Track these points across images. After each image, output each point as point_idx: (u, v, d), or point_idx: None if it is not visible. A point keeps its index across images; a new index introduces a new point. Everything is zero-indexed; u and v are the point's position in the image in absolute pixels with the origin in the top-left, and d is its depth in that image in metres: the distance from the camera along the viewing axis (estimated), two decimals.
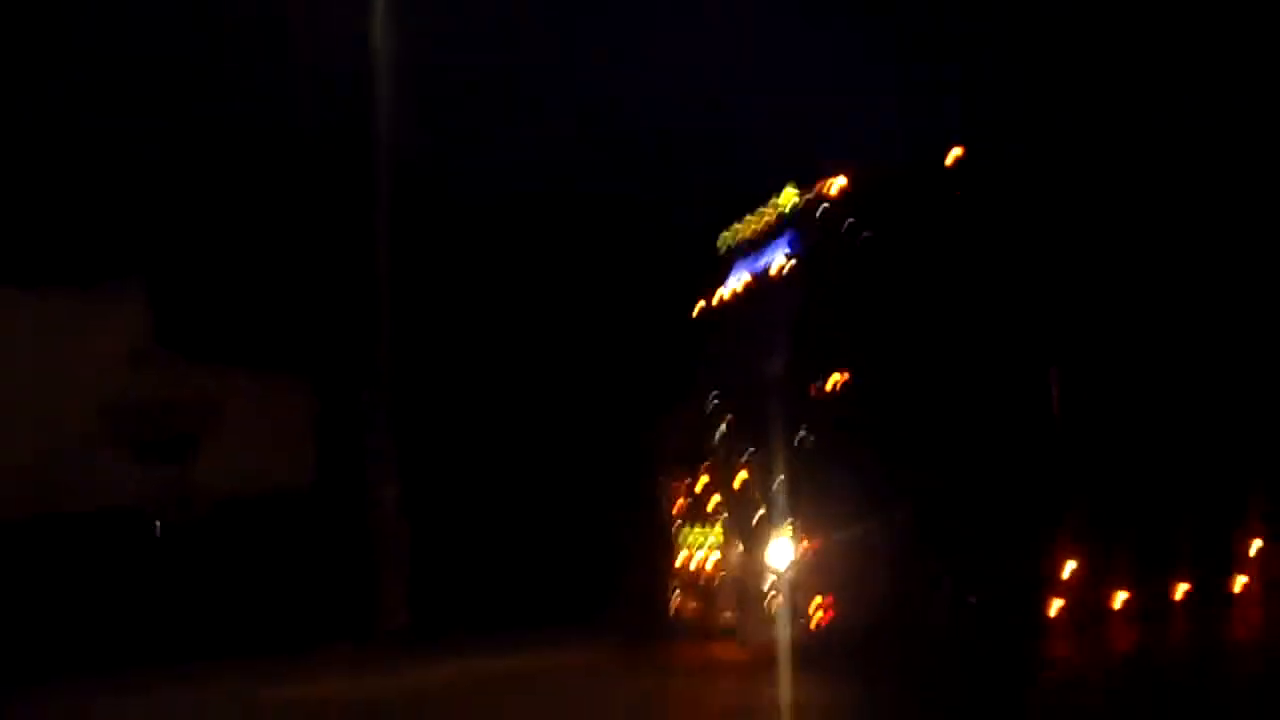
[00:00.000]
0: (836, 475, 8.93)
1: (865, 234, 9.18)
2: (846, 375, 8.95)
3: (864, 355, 8.99)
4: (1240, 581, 9.95)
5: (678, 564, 10.43)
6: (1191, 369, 9.83)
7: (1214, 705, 7.71)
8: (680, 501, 10.47)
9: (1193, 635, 9.70)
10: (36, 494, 15.28)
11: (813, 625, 8.88)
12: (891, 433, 8.98)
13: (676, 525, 10.52)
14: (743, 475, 9.38)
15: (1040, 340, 9.50)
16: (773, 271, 9.54)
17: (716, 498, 9.77)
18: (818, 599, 8.85)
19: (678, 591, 10.52)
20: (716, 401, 9.70)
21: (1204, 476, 9.78)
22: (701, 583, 10.11)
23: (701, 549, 10.08)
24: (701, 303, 10.96)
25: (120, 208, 18.61)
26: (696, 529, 10.20)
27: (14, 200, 18.66)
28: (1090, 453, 9.47)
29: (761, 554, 9.19)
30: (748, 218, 10.44)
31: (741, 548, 9.39)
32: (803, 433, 8.97)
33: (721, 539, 9.73)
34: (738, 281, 10.20)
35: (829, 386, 9.00)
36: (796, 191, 9.69)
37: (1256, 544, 10.00)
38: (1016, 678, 8.53)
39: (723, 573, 9.74)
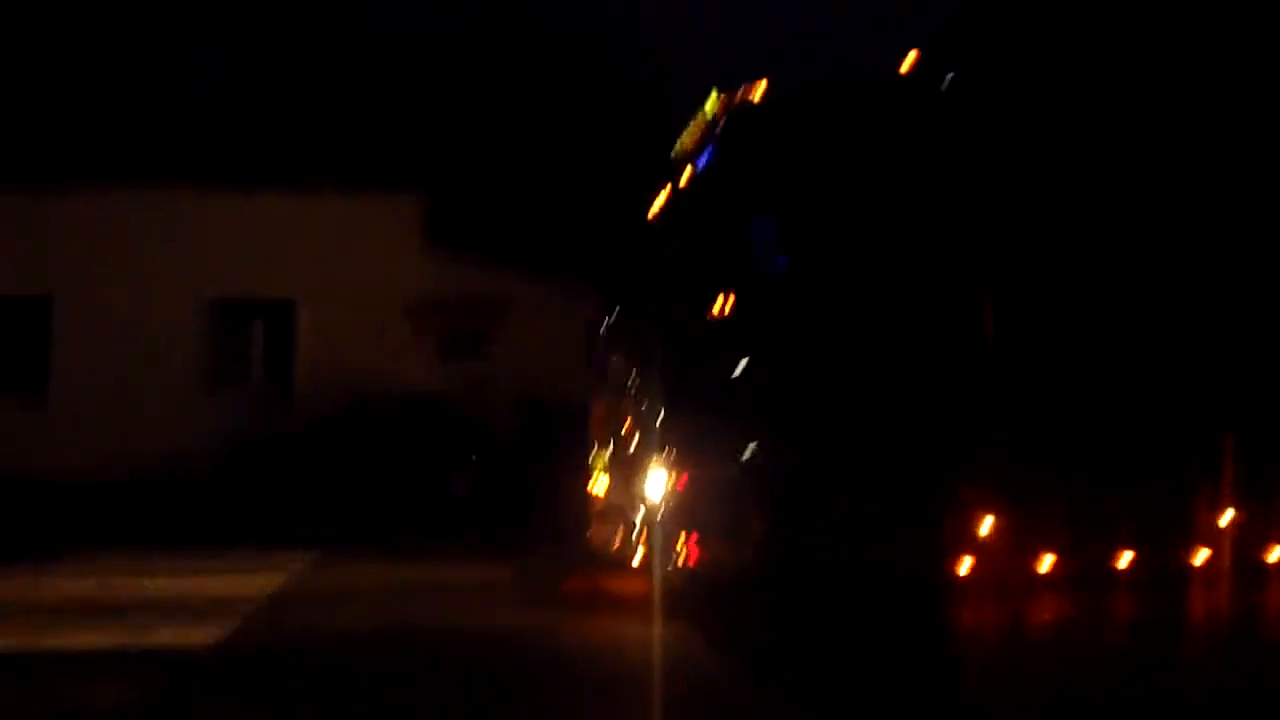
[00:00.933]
0: (713, 406, 8.22)
1: (773, 149, 8.34)
2: (733, 298, 8.19)
3: (754, 278, 8.19)
4: (1201, 555, 8.84)
5: (589, 489, 9.90)
6: (1155, 303, 8.65)
7: (1145, 692, 6.74)
8: (596, 425, 9.90)
9: (1137, 611, 8.66)
10: (354, 387, 16.65)
11: (679, 564, 8.26)
12: (778, 367, 8.19)
13: (593, 449, 9.97)
14: (631, 400, 8.75)
15: (972, 265, 8.50)
16: (682, 185, 8.78)
17: (614, 423, 9.18)
18: (683, 537, 8.21)
19: (591, 517, 10.00)
20: (613, 321, 9.04)
21: (1163, 432, 8.67)
22: (600, 510, 9.55)
23: (603, 475, 9.50)
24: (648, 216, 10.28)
25: (396, 112, 19.22)
26: (602, 454, 9.61)
27: (294, 105, 19.53)
28: (1019, 395, 8.46)
29: (639, 485, 8.58)
30: (690, 123, 9.67)
31: (624, 477, 8.79)
32: (683, 358, 8.28)
33: (612, 466, 9.14)
34: (661, 196, 9.46)
35: (715, 310, 8.26)
36: (720, 97, 8.87)
37: (1227, 514, 8.86)
38: (908, 643, 7.72)
39: (611, 501, 9.16)
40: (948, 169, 8.44)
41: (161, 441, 17.08)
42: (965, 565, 8.42)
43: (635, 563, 8.74)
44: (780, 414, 8.18)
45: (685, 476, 8.17)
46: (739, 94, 8.66)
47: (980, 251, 8.45)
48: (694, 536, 8.12)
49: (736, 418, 8.17)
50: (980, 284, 8.48)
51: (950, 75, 8.51)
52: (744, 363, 8.11)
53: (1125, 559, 8.63)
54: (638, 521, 8.48)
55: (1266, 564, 8.88)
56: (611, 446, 9.07)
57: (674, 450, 8.22)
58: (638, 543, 8.56)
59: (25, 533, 13.03)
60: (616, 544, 9.02)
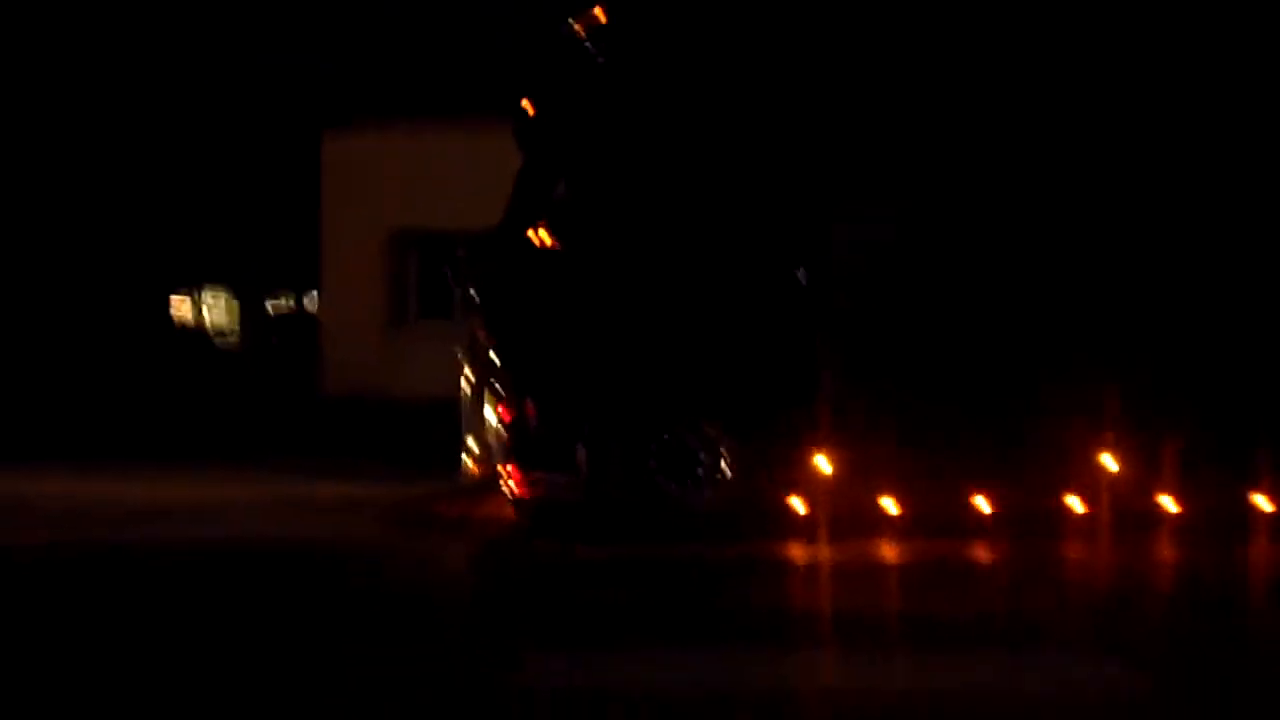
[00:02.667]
0: (534, 340, 8.18)
1: (594, 73, 8.17)
2: (550, 235, 8.11)
3: (569, 213, 8.11)
4: (1072, 504, 8.23)
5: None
6: (1021, 223, 8.11)
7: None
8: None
9: (996, 558, 8.13)
10: None
11: (510, 493, 8.30)
12: (592, 299, 8.08)
13: None
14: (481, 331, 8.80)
15: (814, 191, 8.14)
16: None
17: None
18: (507, 468, 8.25)
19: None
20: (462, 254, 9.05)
21: (1029, 367, 8.10)
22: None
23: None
24: None
25: None
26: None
27: None
28: (861, 320, 8.09)
29: (478, 414, 8.67)
30: None
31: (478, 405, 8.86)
32: (504, 291, 8.28)
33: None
34: None
35: (535, 242, 8.20)
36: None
37: (1106, 461, 8.20)
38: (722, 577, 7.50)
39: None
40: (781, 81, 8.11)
41: None
42: (800, 503, 8.19)
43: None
44: (600, 348, 8.11)
45: (505, 410, 8.21)
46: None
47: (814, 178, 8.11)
48: (514, 467, 8.17)
49: (556, 351, 8.16)
50: (818, 209, 8.15)
51: None
52: (562, 297, 8.11)
53: (979, 504, 8.20)
54: (481, 447, 8.62)
55: (1156, 512, 8.27)
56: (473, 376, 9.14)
57: (499, 382, 8.27)
58: (466, 468, 8.73)
59: None
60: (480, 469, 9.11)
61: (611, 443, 8.06)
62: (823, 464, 8.07)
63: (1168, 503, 8.25)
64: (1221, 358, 8.17)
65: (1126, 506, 8.26)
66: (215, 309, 39.04)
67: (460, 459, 9.18)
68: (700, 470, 8.10)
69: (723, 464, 8.10)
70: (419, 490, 9.96)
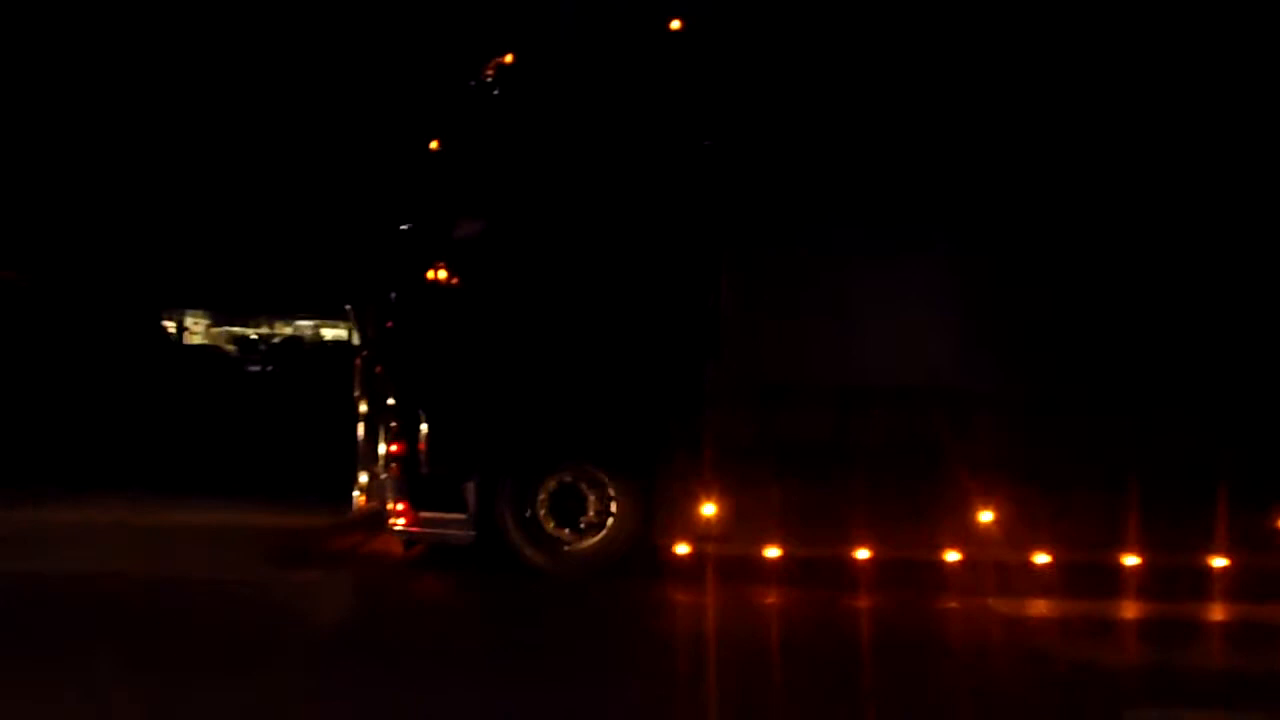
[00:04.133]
0: (424, 377, 8.27)
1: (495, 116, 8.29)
2: (448, 274, 8.20)
3: (467, 253, 8.21)
4: (950, 556, 8.44)
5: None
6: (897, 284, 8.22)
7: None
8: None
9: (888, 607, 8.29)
10: None
11: (397, 526, 8.36)
12: (486, 339, 8.18)
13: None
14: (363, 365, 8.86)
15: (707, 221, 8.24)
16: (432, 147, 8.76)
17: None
18: (395, 503, 8.31)
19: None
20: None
21: (909, 419, 8.27)
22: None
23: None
24: None
25: None
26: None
27: None
28: (755, 363, 8.22)
29: (370, 449, 8.73)
30: None
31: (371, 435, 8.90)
32: (400, 328, 8.35)
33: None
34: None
35: (432, 280, 8.28)
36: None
37: (984, 515, 8.41)
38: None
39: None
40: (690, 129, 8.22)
41: None
42: (683, 548, 8.34)
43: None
44: (491, 389, 8.20)
45: (398, 446, 8.26)
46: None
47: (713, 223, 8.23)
48: (404, 504, 8.23)
49: (449, 390, 8.23)
50: (710, 259, 8.28)
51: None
52: (457, 335, 8.19)
53: (861, 552, 8.39)
54: (368, 480, 8.67)
55: (1030, 564, 8.51)
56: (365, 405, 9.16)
57: (393, 419, 8.32)
58: (355, 504, 8.79)
59: None
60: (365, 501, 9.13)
61: (501, 484, 8.17)
62: (708, 510, 8.25)
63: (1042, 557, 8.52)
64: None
65: (1002, 559, 8.52)
66: (196, 333, 38.68)
67: (351, 494, 9.21)
68: (587, 514, 8.23)
69: (610, 508, 8.24)
70: (306, 522, 10.00)
